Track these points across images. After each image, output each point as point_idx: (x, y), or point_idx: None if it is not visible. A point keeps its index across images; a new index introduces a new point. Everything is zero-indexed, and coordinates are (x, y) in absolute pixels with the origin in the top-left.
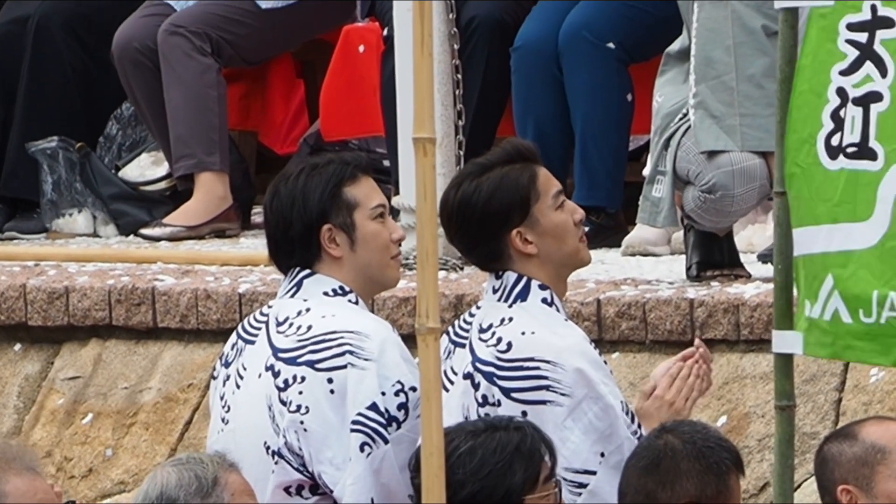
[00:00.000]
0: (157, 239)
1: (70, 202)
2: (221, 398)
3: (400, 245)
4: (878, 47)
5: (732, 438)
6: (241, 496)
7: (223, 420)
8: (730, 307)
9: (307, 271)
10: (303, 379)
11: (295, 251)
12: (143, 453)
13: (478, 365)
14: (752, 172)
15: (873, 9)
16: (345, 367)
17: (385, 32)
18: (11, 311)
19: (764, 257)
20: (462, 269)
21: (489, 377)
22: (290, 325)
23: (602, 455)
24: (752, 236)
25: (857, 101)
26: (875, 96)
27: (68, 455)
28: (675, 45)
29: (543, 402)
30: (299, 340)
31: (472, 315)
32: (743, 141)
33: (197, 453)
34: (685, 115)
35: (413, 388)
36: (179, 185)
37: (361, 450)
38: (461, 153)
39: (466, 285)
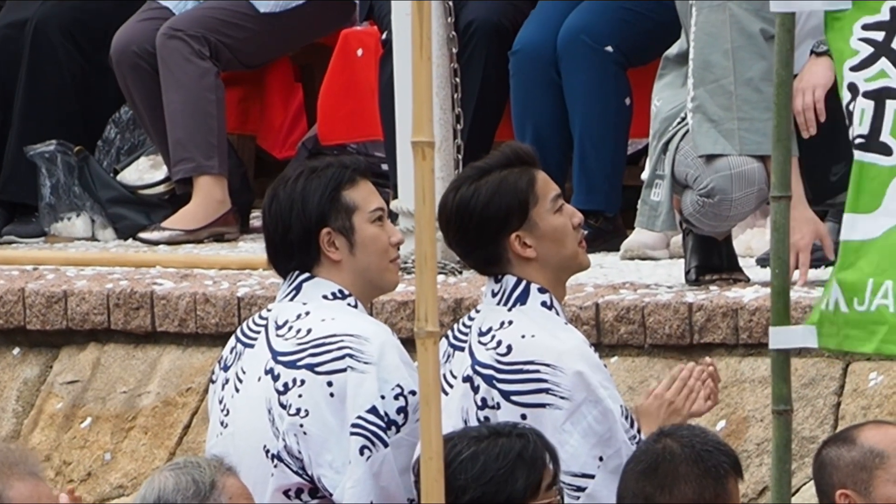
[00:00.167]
0: (156, 243)
1: (68, 206)
2: (220, 402)
3: (399, 248)
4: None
5: (731, 442)
6: (238, 500)
7: (222, 424)
8: (728, 311)
9: (306, 275)
10: (302, 382)
11: (294, 255)
12: (142, 457)
13: (477, 368)
14: (751, 176)
15: (893, 11)
16: (344, 370)
17: (384, 36)
18: (10, 315)
19: (763, 261)
20: (461, 272)
21: (489, 380)
22: (290, 328)
23: (601, 459)
24: (751, 240)
25: (868, 95)
26: (890, 92)
27: (67, 459)
28: (674, 49)
29: (543, 406)
30: (299, 344)
31: (471, 319)
32: (741, 145)
33: (194, 457)
34: (683, 118)
35: (413, 392)
36: (178, 188)
37: (361, 453)
38: (460, 157)
39: (465, 289)
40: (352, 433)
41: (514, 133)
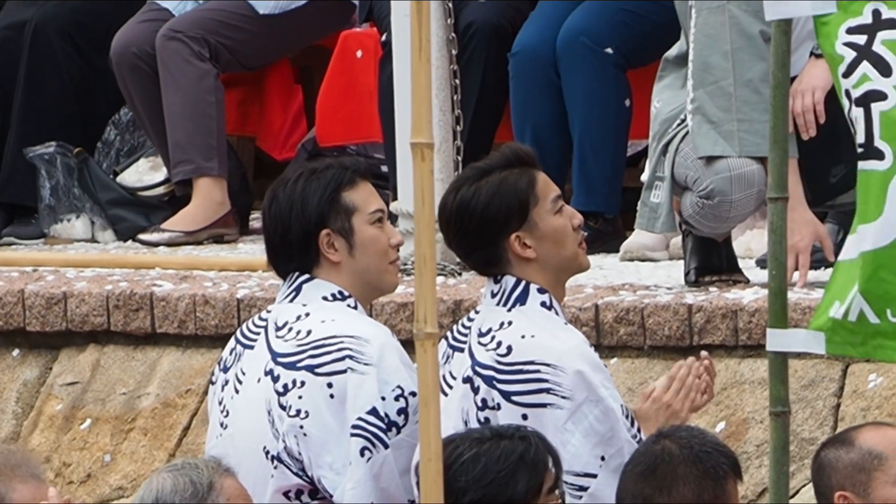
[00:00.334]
0: (156, 244)
1: (68, 208)
2: (220, 403)
3: (398, 250)
4: (877, 47)
5: (731, 444)
6: (236, 501)
7: (222, 425)
8: (728, 312)
9: (306, 276)
10: (302, 383)
11: (294, 256)
12: (142, 459)
13: (477, 369)
14: (750, 178)
15: (875, 13)
16: (344, 371)
17: (383, 38)
18: (9, 317)
19: (762, 262)
20: (460, 274)
21: (489, 381)
22: (290, 329)
23: (602, 458)
24: (751, 241)
25: (857, 102)
26: (876, 95)
27: (67, 461)
28: (673, 51)
29: (544, 406)
30: (299, 345)
31: (470, 319)
32: (741, 146)
33: (193, 459)
34: (683, 120)
35: (413, 393)
36: (178, 190)
37: (361, 454)
38: (459, 158)
39: (464, 290)
40: (352, 434)
41: (513, 135)
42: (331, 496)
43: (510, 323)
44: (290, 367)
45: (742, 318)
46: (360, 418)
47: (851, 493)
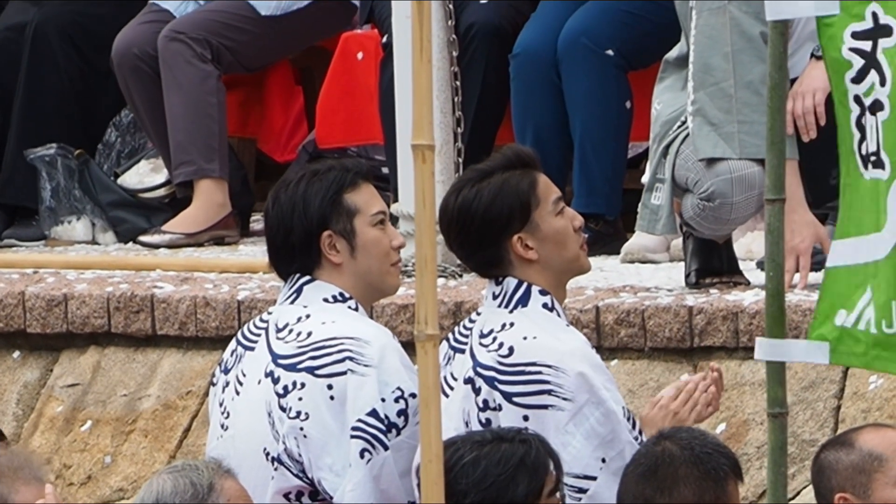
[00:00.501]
0: (156, 246)
1: (69, 209)
2: (221, 404)
3: (400, 252)
4: (879, 56)
5: (731, 446)
6: (236, 502)
7: (223, 426)
8: (728, 314)
9: (307, 277)
10: (302, 385)
11: (295, 257)
12: (142, 460)
13: (479, 370)
14: (751, 180)
15: (874, 16)
16: (345, 373)
17: (384, 39)
18: (10, 319)
19: (763, 264)
20: (461, 276)
21: (490, 382)
22: (290, 331)
23: (603, 461)
24: (751, 243)
25: (871, 110)
26: (878, 105)
27: (67, 462)
28: (674, 52)
29: (545, 407)
30: (299, 347)
31: (471, 321)
32: (741, 148)
33: (193, 460)
34: (684, 122)
35: (413, 395)
36: (179, 192)
37: (361, 456)
38: (460, 160)
39: (465, 292)
40: (352, 436)
41: (514, 136)
42: (331, 498)
43: (512, 324)
44: (291, 368)
45: (743, 320)
46: (359, 420)
47: (852, 494)
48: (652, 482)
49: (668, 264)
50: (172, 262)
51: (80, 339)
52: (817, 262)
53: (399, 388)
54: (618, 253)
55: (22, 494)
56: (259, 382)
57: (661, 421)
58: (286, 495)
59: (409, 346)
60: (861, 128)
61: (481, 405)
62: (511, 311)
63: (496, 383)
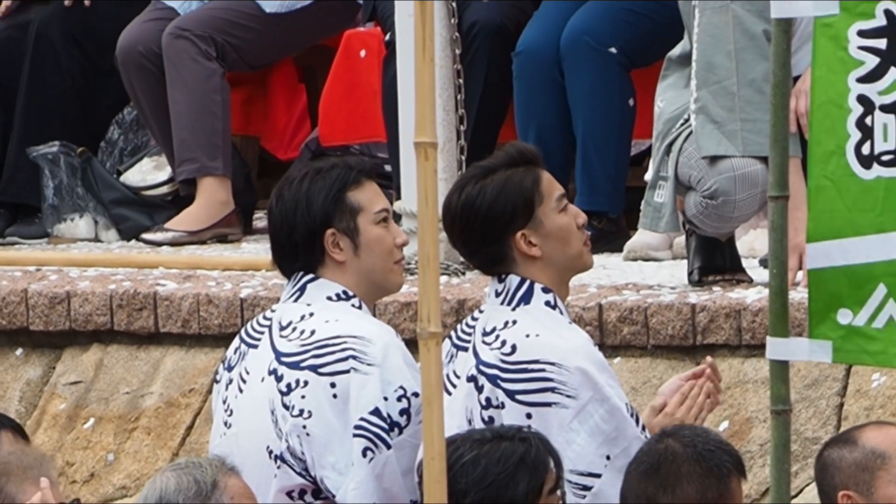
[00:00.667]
0: (159, 244)
1: (71, 207)
2: (224, 402)
3: (403, 249)
4: None
5: (734, 443)
6: (240, 499)
7: (226, 424)
8: (731, 312)
9: (311, 276)
10: (305, 383)
11: (298, 255)
12: (145, 458)
13: (481, 367)
14: (754, 178)
15: (889, 14)
16: (348, 371)
17: (387, 37)
18: (13, 316)
19: (766, 262)
20: (464, 273)
21: (493, 380)
22: (294, 329)
23: (608, 458)
24: (754, 241)
25: (886, 109)
26: None
27: (70, 460)
28: (677, 50)
29: (549, 404)
30: (302, 345)
31: (474, 319)
32: (744, 146)
33: (196, 458)
34: (687, 120)
35: (416, 394)
36: (182, 189)
37: (364, 455)
38: (463, 158)
39: (468, 290)
40: (354, 435)
41: (517, 134)
42: (333, 496)
43: (515, 322)
44: (294, 366)
45: (745, 318)
46: (362, 418)
47: (855, 492)
48: (655, 480)
49: (671, 262)
50: (175, 260)
51: (82, 337)
52: None
53: (402, 387)
54: (621, 250)
55: (29, 494)
56: (262, 380)
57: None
58: (289, 493)
59: (411, 344)
60: (864, 128)
61: (484, 403)
62: (514, 309)
63: (499, 381)
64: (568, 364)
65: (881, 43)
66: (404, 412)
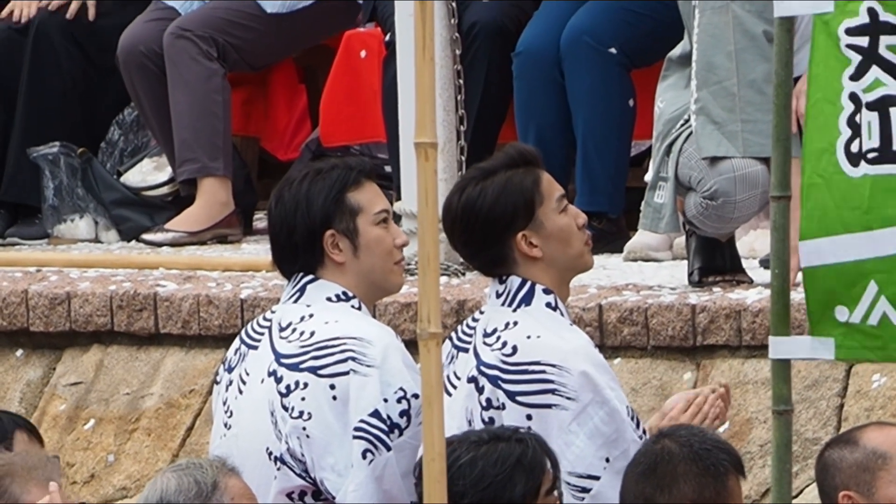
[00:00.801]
0: (159, 244)
1: (72, 208)
2: (224, 403)
3: (403, 250)
4: (884, 52)
5: (734, 444)
6: (240, 500)
7: (226, 425)
8: (732, 313)
9: (310, 276)
10: (305, 385)
11: (298, 256)
12: (145, 459)
13: (482, 368)
14: (754, 179)
15: (871, 12)
16: (347, 373)
17: (387, 37)
18: (13, 317)
19: (766, 262)
20: (464, 274)
21: (494, 381)
22: (293, 330)
23: (607, 460)
24: (754, 242)
25: (870, 106)
26: (891, 100)
27: (70, 461)
28: (677, 51)
29: (549, 406)
30: (302, 346)
31: (475, 320)
32: (745, 147)
33: (197, 458)
34: (687, 120)
35: (415, 395)
36: (182, 190)
37: (363, 456)
38: (463, 158)
39: (468, 290)
40: (354, 437)
41: (517, 134)
42: (333, 498)
43: (515, 323)
44: (294, 368)
45: (746, 319)
46: (362, 420)
47: (856, 492)
48: (652, 480)
49: (671, 262)
50: (175, 261)
51: (83, 338)
52: None
53: (401, 389)
54: (621, 251)
55: (34, 495)
56: (262, 381)
57: None
58: (289, 495)
59: (411, 345)
60: (853, 125)
61: (484, 404)
62: (514, 310)
63: (499, 382)
64: (568, 366)
65: (863, 41)
66: (404, 414)
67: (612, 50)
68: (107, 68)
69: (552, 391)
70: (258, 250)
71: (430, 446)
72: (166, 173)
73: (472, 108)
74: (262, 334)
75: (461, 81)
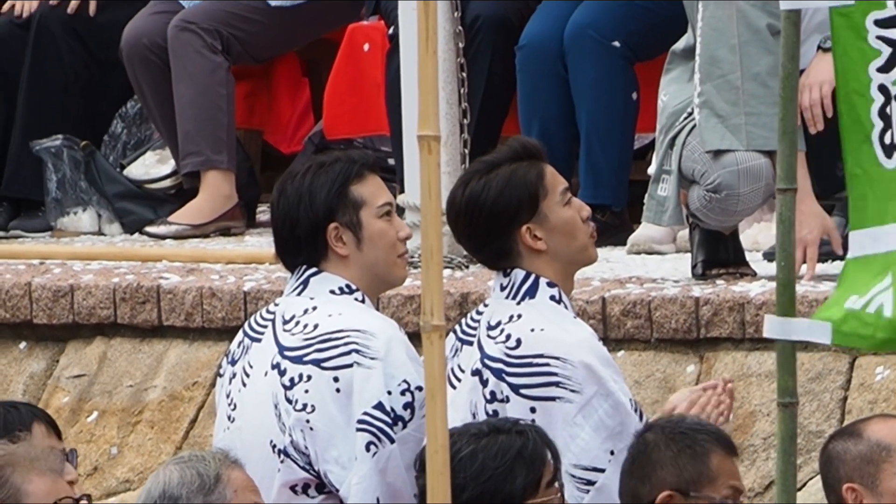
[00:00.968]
0: (163, 237)
1: (75, 200)
2: (228, 396)
3: (406, 243)
4: None
5: (738, 437)
6: (243, 492)
7: (229, 418)
8: (735, 305)
9: (314, 269)
10: (309, 378)
11: (301, 249)
12: (149, 451)
13: (486, 361)
14: (758, 172)
15: None
16: (351, 365)
17: (390, 31)
18: (17, 309)
19: (770, 255)
20: (467, 266)
21: (498, 374)
22: (297, 323)
23: (612, 453)
24: (758, 234)
25: None
26: None
27: None
28: (681, 44)
29: (553, 399)
30: (305, 339)
31: (479, 313)
32: (748, 140)
33: (200, 451)
34: (690, 113)
35: (419, 388)
36: (186, 182)
37: (367, 449)
38: (466, 151)
39: (471, 283)
40: (358, 429)
41: (520, 128)
42: (337, 490)
43: (520, 316)
44: (297, 360)
45: (749, 311)
46: (365, 413)
47: (860, 485)
48: (635, 474)
49: (675, 255)
50: (178, 253)
51: (86, 330)
52: (824, 254)
53: (405, 381)
54: (624, 244)
55: (35, 485)
56: (266, 374)
57: None
58: (293, 488)
59: (415, 337)
60: (885, 117)
61: (489, 397)
62: (519, 303)
63: (504, 375)
64: (572, 359)
65: (893, 33)
66: (408, 406)
67: (616, 43)
68: (108, 63)
69: (556, 384)
70: (261, 243)
71: (434, 439)
72: (169, 166)
73: (475, 102)
74: (265, 327)
75: (464, 75)
